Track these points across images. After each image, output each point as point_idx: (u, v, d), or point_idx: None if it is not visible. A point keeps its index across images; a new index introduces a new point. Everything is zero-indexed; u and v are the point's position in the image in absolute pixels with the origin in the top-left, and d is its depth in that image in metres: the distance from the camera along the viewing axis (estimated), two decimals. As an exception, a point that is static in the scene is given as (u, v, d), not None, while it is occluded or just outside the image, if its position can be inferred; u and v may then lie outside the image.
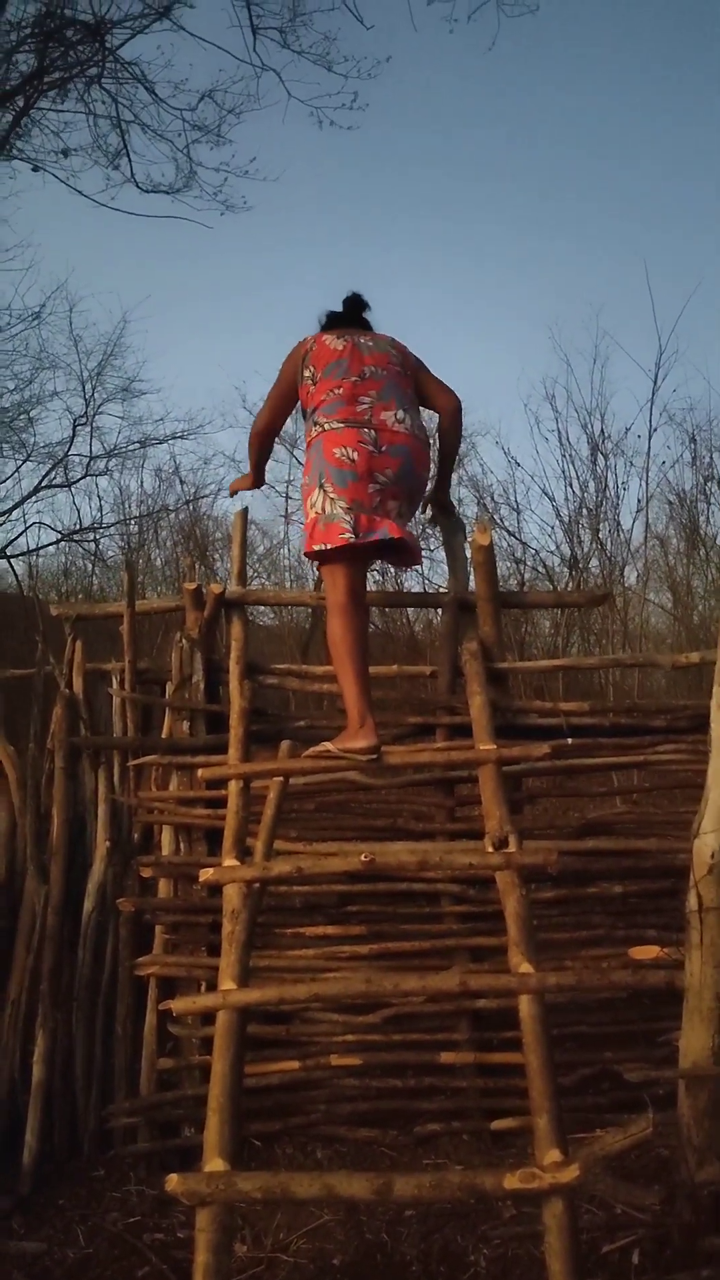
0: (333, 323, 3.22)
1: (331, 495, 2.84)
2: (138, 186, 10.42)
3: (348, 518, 2.82)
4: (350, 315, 3.24)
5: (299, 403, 3.13)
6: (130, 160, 10.23)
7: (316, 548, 2.86)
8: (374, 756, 2.77)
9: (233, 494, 3.52)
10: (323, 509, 2.85)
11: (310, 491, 2.90)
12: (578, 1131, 2.50)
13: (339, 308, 3.26)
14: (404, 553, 3.05)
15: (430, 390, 3.14)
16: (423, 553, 3.62)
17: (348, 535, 2.81)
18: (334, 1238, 2.47)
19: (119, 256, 23.14)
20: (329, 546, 2.83)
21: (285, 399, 3.16)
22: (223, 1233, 1.81)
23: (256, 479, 3.41)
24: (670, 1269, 2.04)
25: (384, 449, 2.88)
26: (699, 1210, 2.01)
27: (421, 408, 3.12)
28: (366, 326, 3.22)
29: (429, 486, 3.19)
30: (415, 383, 3.10)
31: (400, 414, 2.93)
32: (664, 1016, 2.81)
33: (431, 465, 3.18)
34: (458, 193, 22.75)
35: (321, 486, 2.86)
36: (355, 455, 2.85)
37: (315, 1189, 1.80)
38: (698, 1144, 2.03)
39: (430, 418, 3.22)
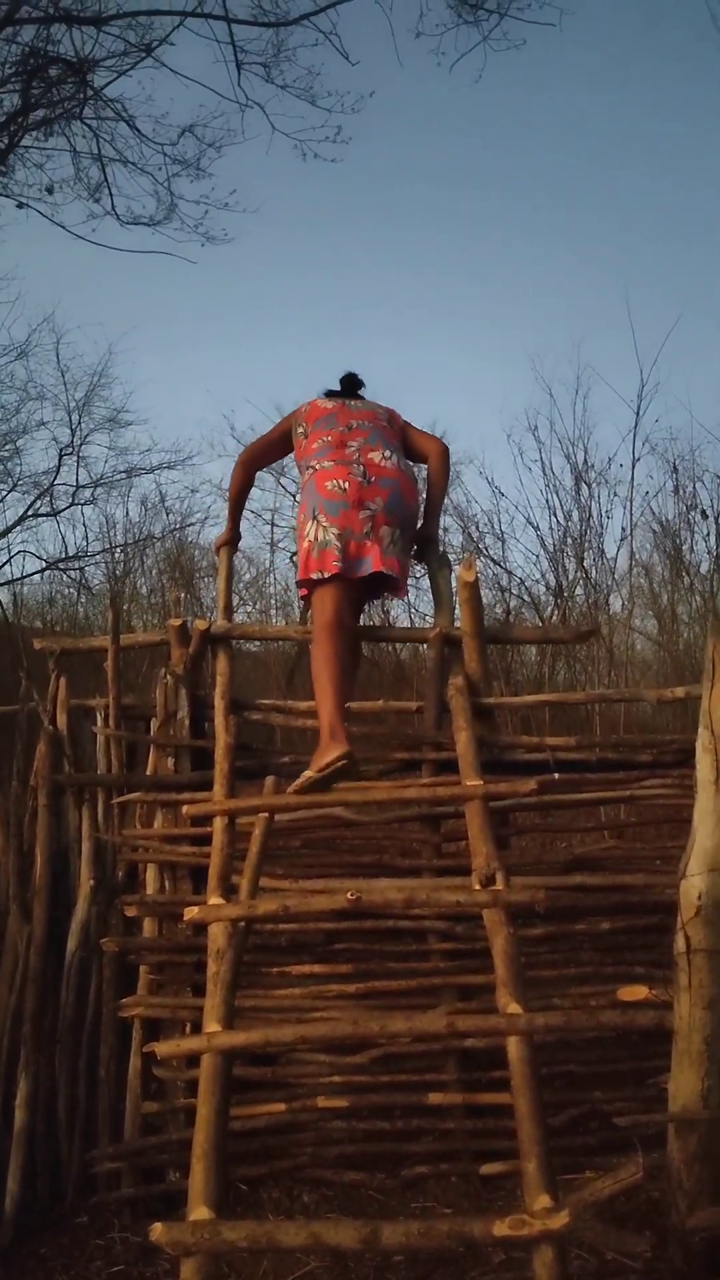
0: (329, 396, 3.45)
1: (324, 524, 3.03)
2: (118, 220, 10.45)
3: (338, 544, 3.00)
4: (345, 392, 3.49)
5: (291, 454, 3.42)
6: (111, 194, 10.28)
7: (314, 575, 3.02)
8: (348, 763, 2.78)
9: (217, 551, 3.66)
10: (316, 537, 3.04)
11: (304, 525, 3.09)
12: (567, 1173, 2.47)
13: (336, 385, 3.52)
14: (390, 584, 3.21)
15: (416, 440, 3.40)
16: (409, 582, 3.71)
17: (339, 563, 2.99)
18: (321, 1285, 2.42)
19: (105, 286, 23.25)
20: (325, 575, 3.00)
21: (276, 441, 3.48)
22: (208, 1283, 1.78)
23: (233, 533, 3.63)
24: (663, 1316, 2.02)
25: (373, 480, 3.08)
26: (690, 1257, 1.98)
27: (410, 462, 3.33)
28: (360, 399, 3.46)
29: (419, 523, 3.34)
30: (402, 437, 3.33)
31: (387, 453, 3.16)
32: (653, 1055, 2.78)
33: (421, 499, 3.34)
34: (445, 214, 22.95)
35: (315, 518, 3.05)
36: (346, 485, 3.04)
37: (302, 1237, 1.77)
38: (688, 1188, 2.01)
39: (420, 468, 3.40)
